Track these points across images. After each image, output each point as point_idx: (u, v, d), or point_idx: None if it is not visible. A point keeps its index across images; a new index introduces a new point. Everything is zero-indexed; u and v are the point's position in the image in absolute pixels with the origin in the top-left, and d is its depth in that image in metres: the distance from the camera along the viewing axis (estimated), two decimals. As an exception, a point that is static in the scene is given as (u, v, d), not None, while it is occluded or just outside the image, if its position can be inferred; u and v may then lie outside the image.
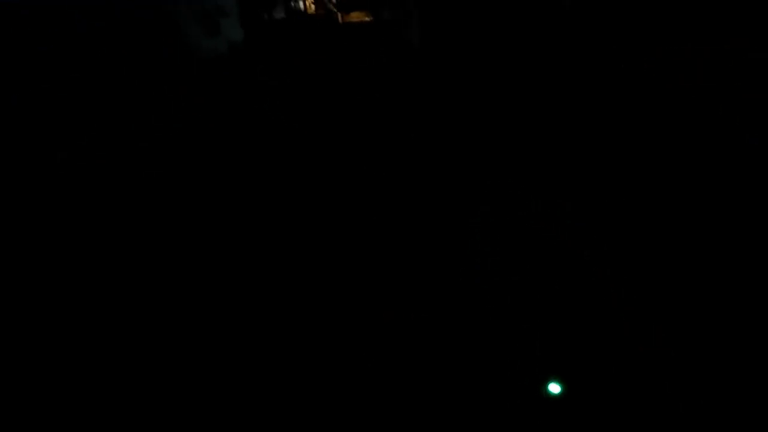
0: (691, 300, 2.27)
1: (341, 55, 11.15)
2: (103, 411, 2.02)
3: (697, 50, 5.37)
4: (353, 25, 14.95)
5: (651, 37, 5.17)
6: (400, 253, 3.04)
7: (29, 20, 7.65)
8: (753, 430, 1.71)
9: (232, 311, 2.63)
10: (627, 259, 2.59)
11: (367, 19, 14.82)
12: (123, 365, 2.26)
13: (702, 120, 3.92)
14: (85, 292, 2.78)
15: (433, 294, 2.59)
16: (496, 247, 2.81)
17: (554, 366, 2.07)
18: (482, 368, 2.10)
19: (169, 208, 3.99)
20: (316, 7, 15.78)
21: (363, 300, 2.68)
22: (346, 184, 4.16)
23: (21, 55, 7.50)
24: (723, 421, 1.75)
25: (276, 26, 13.94)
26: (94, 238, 3.42)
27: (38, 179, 4.38)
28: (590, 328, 2.20)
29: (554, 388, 2.01)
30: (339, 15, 15.62)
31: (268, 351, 2.34)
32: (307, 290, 2.84)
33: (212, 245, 3.33)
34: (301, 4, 15.26)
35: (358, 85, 8.34)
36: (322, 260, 3.06)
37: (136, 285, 2.86)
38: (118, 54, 8.59)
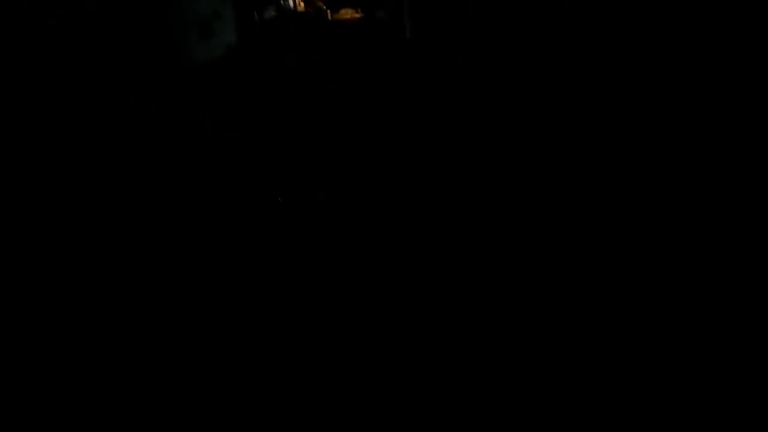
0: (690, 300, 2.34)
1: (334, 48, 11.18)
2: (102, 411, 2.00)
3: (697, 50, 5.38)
4: (342, 22, 14.98)
5: (651, 36, 5.25)
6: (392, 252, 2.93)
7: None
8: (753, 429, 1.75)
9: (230, 311, 2.62)
10: (625, 259, 2.67)
11: (357, 15, 14.91)
12: (122, 365, 2.29)
13: (702, 119, 3.92)
14: (84, 290, 2.82)
15: (428, 293, 2.56)
16: (494, 246, 2.92)
17: (551, 366, 2.09)
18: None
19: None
20: (305, 5, 15.79)
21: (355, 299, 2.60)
22: (354, 180, 4.25)
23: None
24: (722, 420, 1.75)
25: (267, 25, 13.98)
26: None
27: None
28: (589, 328, 2.26)
29: None
30: (328, 12, 15.65)
31: (266, 350, 2.30)
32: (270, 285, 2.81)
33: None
34: (291, 2, 15.32)
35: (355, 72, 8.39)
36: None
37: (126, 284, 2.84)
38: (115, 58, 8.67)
